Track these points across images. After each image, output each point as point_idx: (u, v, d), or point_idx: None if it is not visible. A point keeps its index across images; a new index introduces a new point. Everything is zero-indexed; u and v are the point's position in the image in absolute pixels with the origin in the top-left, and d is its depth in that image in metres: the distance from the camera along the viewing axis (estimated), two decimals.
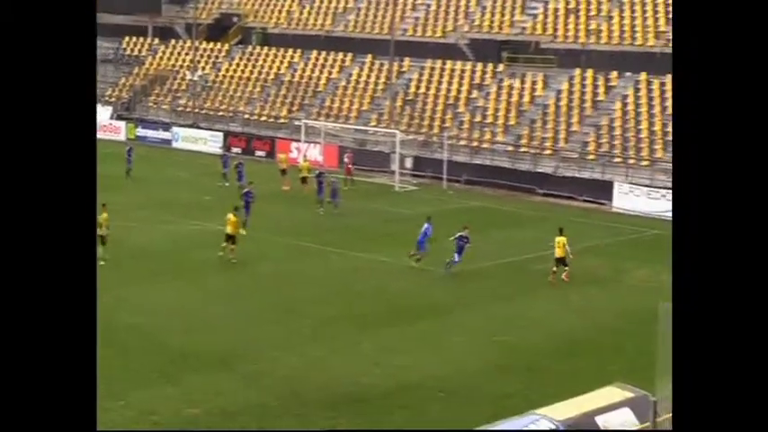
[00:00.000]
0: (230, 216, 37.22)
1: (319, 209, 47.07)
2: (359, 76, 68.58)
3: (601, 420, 17.42)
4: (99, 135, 71.32)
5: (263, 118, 68.95)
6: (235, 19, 79.25)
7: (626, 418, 17.56)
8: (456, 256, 36.23)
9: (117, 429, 18.70)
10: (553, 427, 16.86)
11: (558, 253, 35.43)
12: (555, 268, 35.33)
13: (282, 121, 67.61)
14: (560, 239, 35.75)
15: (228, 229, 37.04)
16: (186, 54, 77.90)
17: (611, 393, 18.55)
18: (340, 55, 70.67)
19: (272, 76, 72.22)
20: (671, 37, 56.86)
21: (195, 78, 74.00)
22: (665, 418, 16.30)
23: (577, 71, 60.30)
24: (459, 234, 36.75)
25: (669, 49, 57.68)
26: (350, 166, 55.78)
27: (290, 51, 73.21)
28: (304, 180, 51.17)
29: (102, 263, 31.77)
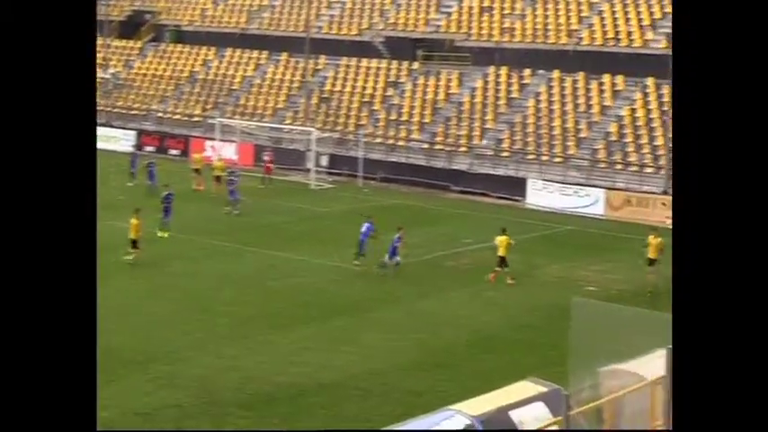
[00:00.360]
0: (133, 220, 36.09)
1: (227, 208, 46.54)
2: (274, 73, 68.29)
3: (515, 415, 17.51)
4: None
5: (177, 116, 68.28)
6: (147, 16, 78.37)
7: (540, 412, 17.67)
8: (387, 256, 36.10)
9: (117, 429, 18.25)
10: (468, 422, 16.91)
11: (501, 252, 35.14)
12: (498, 267, 35.16)
13: (197, 119, 67.01)
14: (502, 239, 35.47)
15: (131, 234, 35.99)
16: (98, 52, 76.66)
17: (525, 388, 18.65)
18: (255, 53, 70.28)
19: (185, 74, 71.54)
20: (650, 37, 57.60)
21: (107, 76, 72.96)
22: (578, 411, 16.46)
23: (492, 69, 60.73)
24: (397, 235, 36.55)
25: (581, 47, 58.58)
26: (269, 164, 55.64)
27: (205, 49, 72.60)
28: (218, 179, 50.64)
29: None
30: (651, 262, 34.32)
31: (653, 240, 34.76)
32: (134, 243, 35.86)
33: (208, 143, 62.56)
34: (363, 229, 37.05)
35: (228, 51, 71.37)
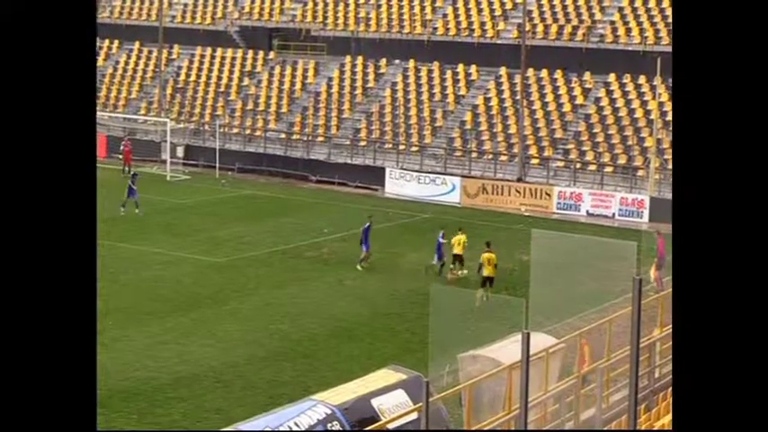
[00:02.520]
0: None
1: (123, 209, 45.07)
2: (126, 63, 67.04)
3: (376, 402, 17.63)
4: None
5: None
6: None
7: (400, 399, 17.84)
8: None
9: (117, 429, 17.54)
10: (329, 411, 16.96)
11: (458, 250, 34.42)
12: (451, 265, 34.40)
13: None
14: (459, 237, 34.74)
15: None
16: None
17: (386, 376, 18.80)
18: (106, 42, 68.82)
19: None
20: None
21: None
22: (438, 397, 16.65)
23: (348, 58, 60.83)
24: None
25: (437, 37, 59.15)
26: (129, 154, 54.86)
27: None
28: None
29: None
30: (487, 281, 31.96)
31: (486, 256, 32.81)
32: None
33: None
34: (363, 228, 36.35)
35: None
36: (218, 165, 55.58)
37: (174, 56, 65.76)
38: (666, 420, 16.73)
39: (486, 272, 31.25)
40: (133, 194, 44.17)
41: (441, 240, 35.02)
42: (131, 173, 50.06)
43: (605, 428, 17.71)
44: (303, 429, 16.45)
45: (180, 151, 57.85)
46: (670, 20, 53.71)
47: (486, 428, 16.69)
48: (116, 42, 68.49)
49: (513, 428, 16.30)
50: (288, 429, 16.43)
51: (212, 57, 64.69)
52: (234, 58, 64.05)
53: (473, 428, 16.70)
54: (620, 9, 56.00)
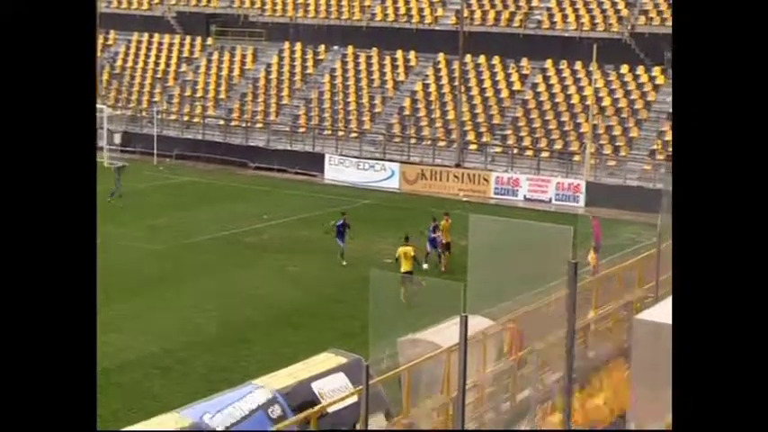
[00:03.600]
0: None
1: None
2: None
3: (316, 386, 17.73)
4: None
5: None
6: None
7: (340, 382, 17.95)
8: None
9: (121, 430, 17.18)
10: (270, 396, 17.04)
11: (446, 237, 34.18)
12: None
13: None
14: (445, 223, 34.67)
15: None
16: None
17: (326, 360, 18.90)
18: None
19: None
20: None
21: None
22: (378, 380, 16.81)
23: (286, 45, 60.75)
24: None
25: (375, 23, 59.21)
26: None
27: None
28: None
29: None
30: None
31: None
32: None
33: None
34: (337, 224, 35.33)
35: None
36: (155, 151, 55.30)
37: (111, 42, 65.20)
38: (600, 400, 17.10)
39: (405, 267, 30.06)
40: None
41: (432, 234, 34.56)
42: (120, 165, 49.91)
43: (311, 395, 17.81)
44: (243, 414, 16.52)
45: (117, 138, 57.46)
46: (606, 6, 54.34)
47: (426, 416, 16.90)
48: None
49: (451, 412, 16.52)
50: (228, 415, 16.50)
51: (149, 42, 64.26)
52: (171, 44, 63.67)
53: (412, 410, 16.89)
54: None
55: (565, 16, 54.96)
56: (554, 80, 53.42)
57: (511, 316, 19.85)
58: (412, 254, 30.48)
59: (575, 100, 51.92)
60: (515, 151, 51.02)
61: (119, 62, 63.75)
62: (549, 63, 53.94)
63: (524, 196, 48.17)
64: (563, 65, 53.57)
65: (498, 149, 51.69)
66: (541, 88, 53.28)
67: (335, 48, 59.66)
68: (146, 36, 64.66)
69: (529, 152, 50.80)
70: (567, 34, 54.12)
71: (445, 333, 18.17)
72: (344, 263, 34.38)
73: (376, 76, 57.45)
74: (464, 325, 13.25)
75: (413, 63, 57.46)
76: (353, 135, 54.69)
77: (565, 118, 51.46)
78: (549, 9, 55.84)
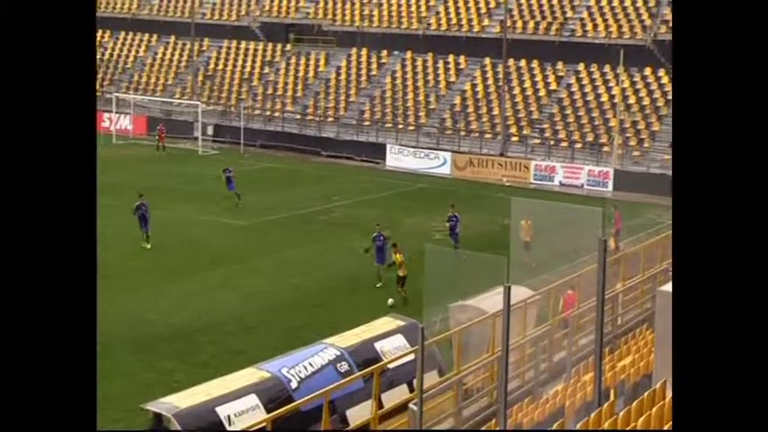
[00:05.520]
0: None
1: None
2: (164, 54, 66.71)
3: (378, 346, 17.58)
4: None
5: None
6: None
7: (399, 343, 17.79)
8: (452, 240, 31.56)
9: (117, 429, 17.33)
10: (339, 353, 16.91)
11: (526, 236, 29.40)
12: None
13: (95, 94, 65.01)
14: (527, 223, 29.41)
15: None
16: None
17: (387, 323, 18.74)
18: (146, 35, 68.50)
19: None
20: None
21: None
22: (432, 341, 16.60)
23: (354, 50, 60.51)
24: (449, 215, 32.39)
25: (430, 32, 58.78)
26: (162, 134, 54.94)
27: (100, 32, 70.35)
28: None
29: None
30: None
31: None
32: None
33: (106, 115, 60.94)
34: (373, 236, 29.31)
35: (122, 34, 69.39)
36: (242, 141, 55.48)
37: (205, 48, 65.39)
38: (628, 361, 16.70)
39: (402, 272, 26.72)
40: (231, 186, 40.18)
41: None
42: (161, 147, 49.83)
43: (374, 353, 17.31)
44: (315, 369, 16.39)
45: (210, 130, 57.70)
46: (632, 16, 53.46)
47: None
48: (155, 36, 68.13)
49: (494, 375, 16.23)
50: (302, 369, 16.37)
51: (237, 48, 64.36)
52: (256, 50, 63.73)
53: (461, 368, 16.65)
54: (588, 7, 55.63)
55: (595, 25, 54.14)
56: (586, 81, 52.68)
57: (549, 287, 19.53)
58: (400, 260, 27.00)
59: (604, 98, 51.16)
60: (552, 142, 50.46)
61: (211, 65, 63.93)
62: (581, 66, 53.18)
63: (560, 182, 47.58)
64: (594, 68, 52.79)
65: (537, 141, 51.10)
66: (575, 88, 52.58)
67: (396, 53, 59.31)
68: (234, 43, 64.77)
69: (564, 143, 50.19)
70: (597, 41, 53.27)
71: (490, 301, 17.91)
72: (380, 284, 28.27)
73: (431, 77, 57.05)
74: (507, 294, 12.95)
75: (463, 66, 56.96)
76: (411, 128, 54.36)
77: (595, 114, 50.74)
78: (581, 19, 55.05)
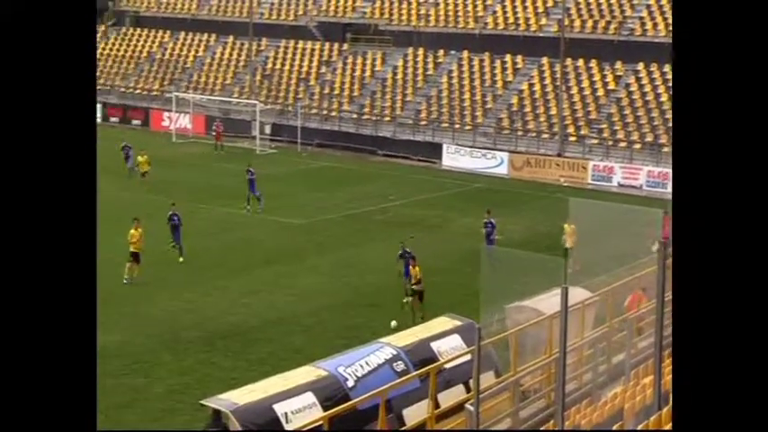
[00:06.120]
0: (132, 231, 28.64)
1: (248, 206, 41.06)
2: (222, 54, 67.32)
3: (435, 345, 17.57)
4: None
5: (138, 91, 67.08)
6: (109, 3, 76.62)
7: (456, 343, 17.75)
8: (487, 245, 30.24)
9: (117, 429, 17.30)
10: (395, 352, 16.92)
11: (569, 243, 29.43)
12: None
13: (155, 93, 65.90)
14: (571, 227, 29.63)
15: (132, 247, 28.40)
16: None
17: (443, 323, 18.71)
18: (205, 35, 69.19)
19: (144, 54, 70.24)
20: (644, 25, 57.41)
21: None
22: (488, 341, 16.55)
23: (410, 50, 60.50)
24: (485, 221, 31.38)
25: (487, 31, 58.56)
26: (219, 133, 55.44)
27: (161, 32, 71.28)
28: (144, 175, 43.41)
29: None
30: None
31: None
32: (134, 256, 28.45)
33: (165, 114, 61.74)
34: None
35: (182, 34, 70.17)
36: (299, 140, 55.75)
37: (263, 47, 65.87)
38: None
39: (418, 286, 25.58)
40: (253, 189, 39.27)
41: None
42: (219, 146, 49.95)
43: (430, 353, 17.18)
44: (372, 368, 16.42)
45: (267, 129, 58.07)
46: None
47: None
48: (213, 36, 68.79)
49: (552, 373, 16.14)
50: (359, 368, 16.42)
51: (294, 48, 64.71)
52: (313, 50, 64.01)
53: (518, 369, 16.58)
54: (648, 6, 55.01)
55: (655, 24, 53.48)
56: (645, 81, 52.07)
57: (607, 288, 19.35)
58: (418, 274, 25.76)
59: (664, 98, 50.49)
60: (610, 143, 49.96)
61: (269, 65, 64.36)
62: (641, 66, 52.57)
63: (618, 183, 47.11)
64: (653, 67, 52.15)
65: (595, 141, 50.64)
66: (634, 88, 52.01)
67: (453, 52, 59.17)
68: (291, 42, 65.13)
69: (622, 144, 49.66)
70: (656, 40, 52.59)
71: (548, 302, 17.80)
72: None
73: (488, 76, 56.83)
74: (565, 295, 12.88)
75: (520, 65, 56.66)
76: (468, 127, 54.21)
77: (654, 114, 50.13)
78: (641, 18, 54.45)
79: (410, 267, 26.15)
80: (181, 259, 30.42)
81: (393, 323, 23.93)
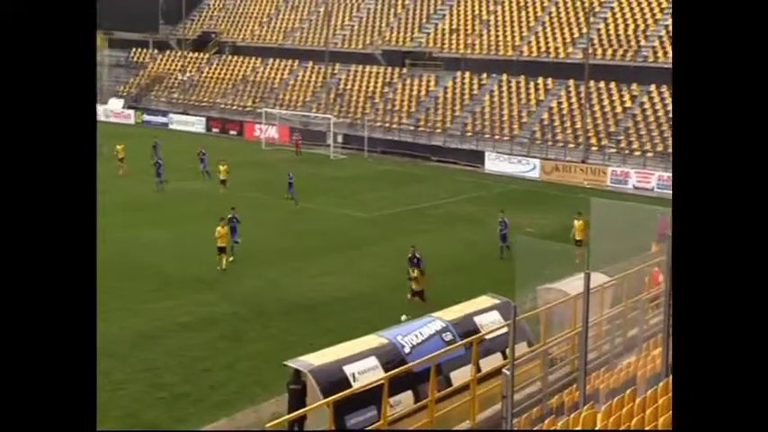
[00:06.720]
0: (219, 229, 27.85)
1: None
2: (303, 76, 67.65)
3: (477, 320, 17.45)
4: (114, 120, 69.54)
5: (235, 107, 67.73)
6: (213, 35, 77.46)
7: (495, 318, 17.61)
8: (503, 242, 29.69)
9: (118, 429, 16.26)
10: (444, 325, 16.85)
11: (578, 236, 28.46)
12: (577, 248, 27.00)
13: (249, 109, 66.47)
14: (580, 222, 28.78)
15: (219, 242, 27.63)
16: (178, 61, 75.98)
17: (484, 301, 18.58)
18: (290, 61, 69.59)
19: (240, 77, 70.87)
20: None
21: (184, 78, 72.26)
22: (522, 317, 16.37)
23: (459, 73, 60.17)
24: (499, 219, 30.47)
25: (523, 58, 57.96)
26: (299, 142, 55.91)
27: (254, 59, 71.87)
28: (223, 183, 40.81)
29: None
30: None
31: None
32: (221, 250, 27.69)
33: (256, 126, 62.28)
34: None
35: (270, 60, 70.65)
36: (366, 148, 55.82)
37: (336, 71, 66.04)
38: None
39: (417, 286, 24.28)
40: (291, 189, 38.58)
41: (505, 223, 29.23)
42: (298, 153, 50.28)
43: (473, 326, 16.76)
44: (424, 338, 16.37)
45: (340, 138, 58.24)
46: None
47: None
48: (296, 61, 69.17)
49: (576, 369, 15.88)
50: (413, 337, 16.36)
51: (363, 71, 64.77)
52: (378, 73, 64.00)
53: (547, 340, 16.37)
54: (660, 37, 54.04)
55: (666, 52, 52.47)
56: (657, 100, 51.13)
57: (623, 273, 19.02)
58: (418, 275, 24.59)
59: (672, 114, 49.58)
60: (626, 151, 49.17)
61: (341, 85, 64.51)
62: (653, 87, 51.63)
63: (633, 185, 46.33)
64: (664, 88, 51.18)
65: (613, 150, 49.86)
66: (647, 105, 51.09)
67: (494, 75, 58.70)
68: (360, 67, 65.18)
69: (637, 152, 48.84)
70: (667, 65, 51.56)
71: (572, 284, 17.56)
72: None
73: (523, 95, 56.28)
74: (587, 279, 12.69)
75: (550, 87, 56.00)
76: (506, 138, 53.74)
77: (664, 127, 49.18)
78: (653, 47, 53.48)
79: (409, 269, 24.50)
80: (231, 258, 28.20)
81: (403, 317, 21.46)
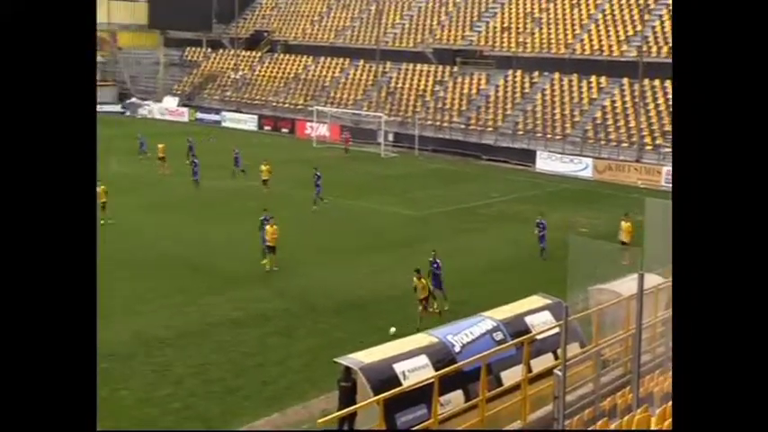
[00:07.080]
0: (268, 228, 27.64)
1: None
2: (354, 74, 67.87)
3: (528, 320, 17.32)
4: (169, 117, 70.64)
5: (287, 105, 68.26)
6: (265, 34, 78.17)
7: (546, 318, 17.45)
8: (541, 243, 29.57)
9: (121, 430, 15.78)
10: (495, 324, 16.75)
11: (624, 237, 27.97)
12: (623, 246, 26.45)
13: (300, 107, 66.94)
14: (627, 225, 28.21)
15: (270, 242, 27.37)
16: (230, 59, 76.84)
17: (536, 301, 18.43)
18: (341, 60, 69.87)
19: (292, 75, 71.40)
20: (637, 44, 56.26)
21: (237, 77, 73.05)
22: (574, 317, 16.20)
23: (510, 71, 59.77)
24: (537, 221, 30.15)
25: (575, 56, 57.31)
26: (348, 140, 56.10)
27: (305, 57, 72.34)
28: (265, 182, 40.46)
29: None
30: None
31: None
32: (271, 249, 27.40)
33: (308, 124, 62.66)
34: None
35: (322, 59, 71.04)
36: (417, 146, 55.79)
37: (387, 69, 66.12)
38: None
39: (421, 294, 22.77)
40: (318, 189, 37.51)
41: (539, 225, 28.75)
42: (348, 151, 50.37)
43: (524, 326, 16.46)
44: (475, 337, 16.29)
45: (390, 137, 58.29)
46: None
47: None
48: (348, 60, 69.43)
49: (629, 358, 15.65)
50: (464, 336, 16.29)
51: (413, 70, 64.74)
52: (429, 71, 63.91)
53: (599, 342, 16.17)
54: None
55: None
56: None
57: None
58: (422, 285, 23.02)
59: None
60: None
61: (392, 84, 64.57)
62: None
63: None
64: None
65: (668, 149, 49.04)
66: None
67: (546, 74, 58.19)
68: (411, 65, 65.15)
69: None
70: None
71: (626, 285, 17.30)
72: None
73: (575, 94, 55.67)
74: (641, 280, 12.52)
75: (603, 85, 55.30)
76: (558, 137, 53.24)
77: None
78: None
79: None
80: (264, 261, 27.46)
81: (392, 330, 20.83)
